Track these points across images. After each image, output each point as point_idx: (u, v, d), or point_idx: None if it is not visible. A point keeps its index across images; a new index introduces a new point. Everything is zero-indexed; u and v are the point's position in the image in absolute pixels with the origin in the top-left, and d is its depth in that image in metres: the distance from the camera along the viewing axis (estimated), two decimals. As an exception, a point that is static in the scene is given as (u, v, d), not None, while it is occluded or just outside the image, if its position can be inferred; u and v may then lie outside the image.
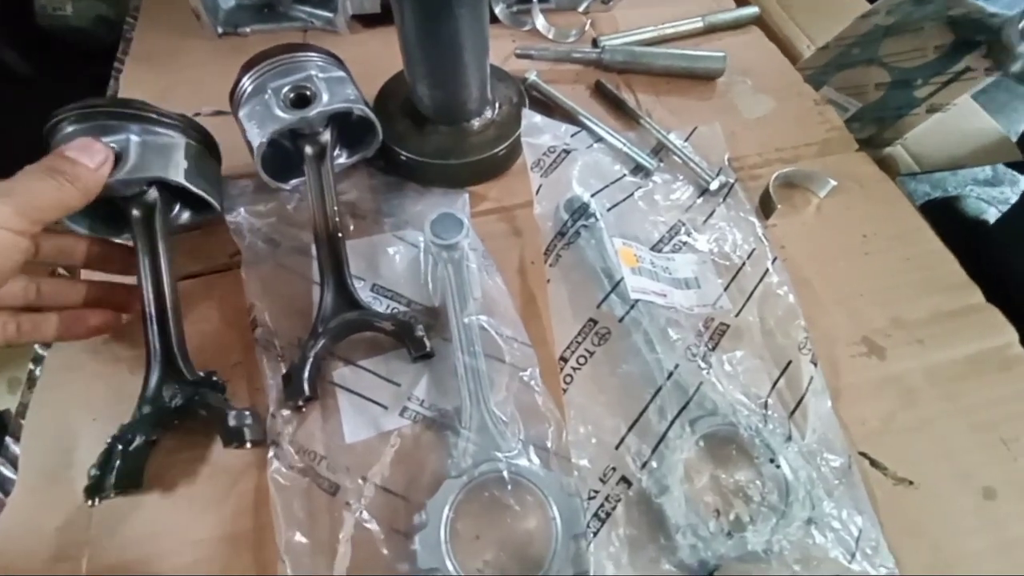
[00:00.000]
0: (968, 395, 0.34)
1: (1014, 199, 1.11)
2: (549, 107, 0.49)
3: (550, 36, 0.55)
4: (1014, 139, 0.89)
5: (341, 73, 0.40)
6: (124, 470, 0.28)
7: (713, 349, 0.34)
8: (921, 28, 0.90)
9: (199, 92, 0.50)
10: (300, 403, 0.33)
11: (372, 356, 0.36)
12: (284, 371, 0.34)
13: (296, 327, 0.36)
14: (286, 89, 0.38)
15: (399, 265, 0.39)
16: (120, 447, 0.28)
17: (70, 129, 0.35)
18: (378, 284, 0.38)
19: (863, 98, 0.92)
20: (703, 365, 0.32)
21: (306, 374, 0.32)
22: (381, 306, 0.38)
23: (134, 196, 0.36)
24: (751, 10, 0.58)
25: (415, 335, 0.34)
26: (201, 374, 0.34)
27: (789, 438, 0.31)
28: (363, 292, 0.38)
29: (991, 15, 0.84)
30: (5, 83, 1.15)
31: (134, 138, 0.36)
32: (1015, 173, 1.13)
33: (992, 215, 0.97)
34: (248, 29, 0.57)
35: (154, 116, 0.36)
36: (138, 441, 0.29)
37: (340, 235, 0.37)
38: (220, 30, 0.56)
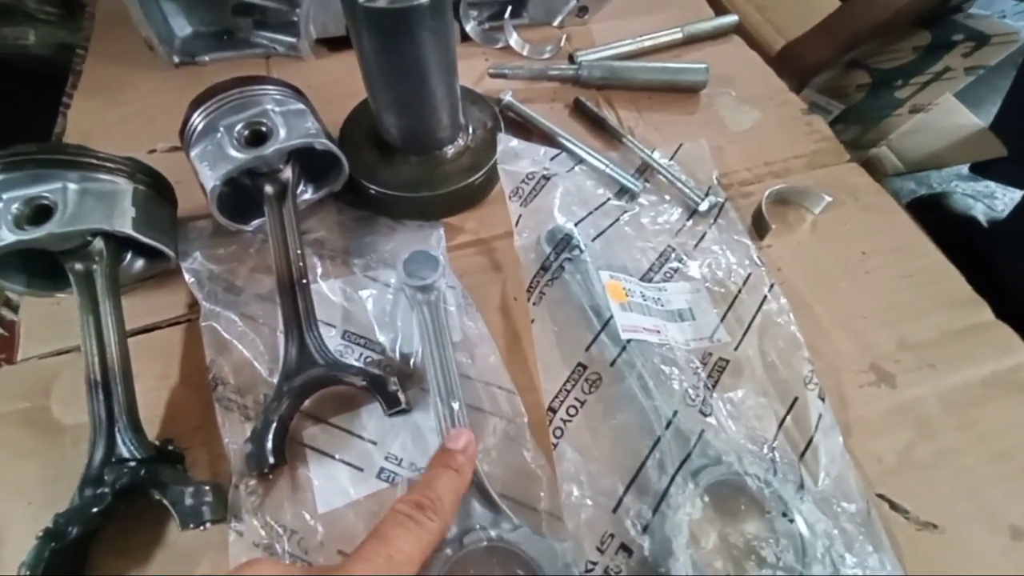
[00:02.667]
0: (985, 422, 0.32)
1: (999, 192, 1.11)
2: (526, 128, 0.46)
3: (524, 53, 0.53)
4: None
5: (300, 105, 0.38)
6: (58, 569, 0.25)
7: (713, 388, 0.32)
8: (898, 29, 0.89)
9: (154, 126, 0.47)
10: (266, 471, 0.30)
11: (345, 412, 0.33)
12: (248, 434, 0.31)
13: (262, 382, 0.33)
14: (239, 126, 0.35)
15: (372, 309, 0.36)
16: (53, 543, 0.25)
17: (-1, 179, 0.31)
18: (349, 331, 0.35)
19: (845, 100, 0.92)
20: (704, 409, 0.30)
21: (269, 440, 0.29)
22: (353, 355, 0.35)
23: (75, 249, 0.33)
24: (731, 18, 0.56)
25: (388, 390, 0.31)
26: (156, 443, 0.31)
27: (801, 486, 0.28)
28: (333, 340, 0.35)
29: (967, 15, 0.83)
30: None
31: (72, 186, 0.33)
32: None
33: (979, 211, 0.97)
34: (207, 58, 0.54)
35: (94, 161, 0.33)
36: (75, 534, 0.25)
37: (305, 281, 0.34)
38: (176, 59, 0.53)
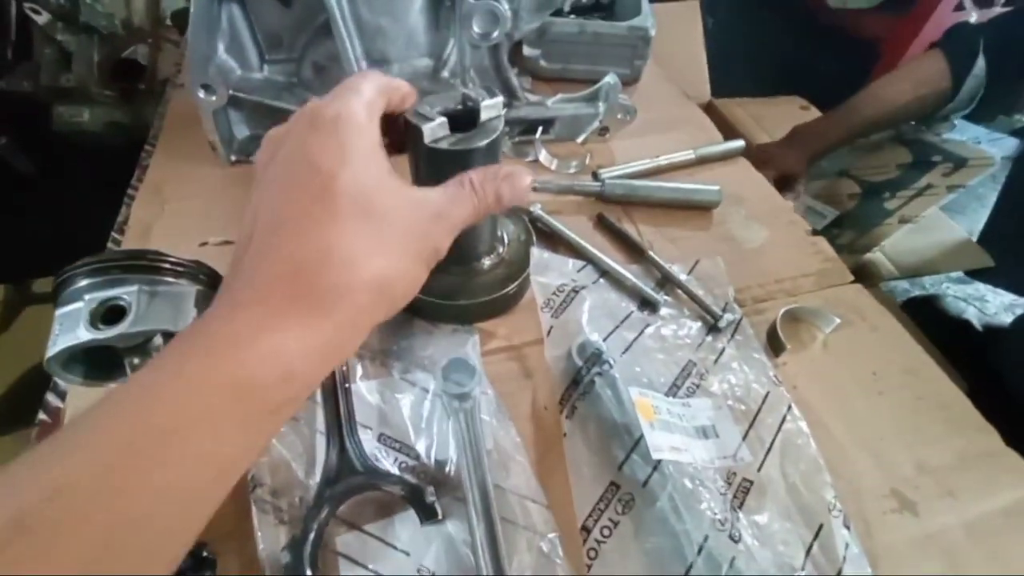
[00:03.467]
0: (1013, 554, 0.33)
1: (990, 296, 1.16)
2: (553, 239, 0.50)
3: (552, 168, 0.59)
4: (975, 239, 0.94)
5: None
6: None
7: (739, 509, 0.33)
8: (880, 147, 0.98)
9: (208, 221, 0.51)
10: (298, 583, 0.30)
11: (379, 519, 0.33)
12: (283, 540, 0.31)
13: (297, 484, 0.34)
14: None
15: (408, 413, 0.37)
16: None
17: (83, 283, 0.34)
18: (385, 434, 0.37)
19: (839, 206, 0.98)
20: (734, 535, 0.31)
21: (307, 552, 0.30)
22: (389, 459, 0.36)
23: (136, 345, 0.35)
24: (738, 143, 0.62)
25: (425, 501, 0.32)
26: (191, 547, 0.31)
27: (835, 623, 0.28)
28: (369, 443, 0.36)
29: (944, 140, 0.92)
30: (7, 183, 1.18)
31: (145, 288, 0.35)
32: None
33: (972, 314, 1.00)
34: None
35: (166, 266, 0.36)
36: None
37: (348, 385, 0.36)
38: (233, 158, 0.58)
